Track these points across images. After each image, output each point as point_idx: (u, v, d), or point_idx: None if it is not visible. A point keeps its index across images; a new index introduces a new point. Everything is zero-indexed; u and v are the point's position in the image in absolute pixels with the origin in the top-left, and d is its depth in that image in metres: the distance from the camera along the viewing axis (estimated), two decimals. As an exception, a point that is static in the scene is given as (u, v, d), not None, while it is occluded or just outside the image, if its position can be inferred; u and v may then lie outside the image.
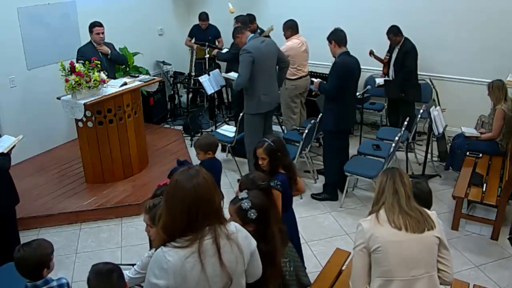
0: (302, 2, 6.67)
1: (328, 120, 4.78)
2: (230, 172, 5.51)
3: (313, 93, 5.81)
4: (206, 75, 6.11)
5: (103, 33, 5.30)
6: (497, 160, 4.93)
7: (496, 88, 4.88)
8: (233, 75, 5.37)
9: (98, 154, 4.99)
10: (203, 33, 6.90)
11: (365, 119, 6.28)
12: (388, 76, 6.05)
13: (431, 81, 6.03)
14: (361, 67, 4.77)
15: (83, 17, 5.90)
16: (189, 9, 7.84)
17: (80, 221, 4.61)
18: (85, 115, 4.74)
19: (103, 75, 4.84)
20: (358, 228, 2.32)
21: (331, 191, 4.95)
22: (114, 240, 4.36)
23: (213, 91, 6.21)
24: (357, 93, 5.17)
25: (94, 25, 5.26)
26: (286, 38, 5.78)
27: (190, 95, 7.26)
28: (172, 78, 7.31)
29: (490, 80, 4.99)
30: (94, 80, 4.69)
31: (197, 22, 7.00)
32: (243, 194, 2.30)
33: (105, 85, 4.93)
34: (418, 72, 5.83)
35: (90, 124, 4.85)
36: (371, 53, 6.11)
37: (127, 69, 6.36)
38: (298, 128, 5.62)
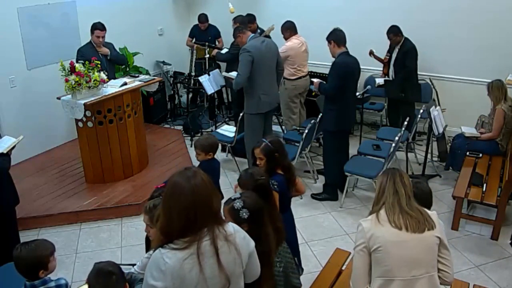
0: (302, 2, 6.68)
1: (328, 120, 4.78)
2: (230, 172, 5.51)
3: (313, 94, 5.81)
4: (206, 75, 6.12)
5: (103, 37, 5.30)
6: (497, 160, 4.93)
7: (496, 88, 4.88)
8: (233, 74, 5.38)
9: (98, 154, 4.98)
10: (203, 33, 6.90)
11: (365, 119, 6.28)
12: (388, 76, 6.06)
13: (431, 81, 6.03)
14: (361, 67, 4.77)
15: (83, 17, 5.91)
16: (189, 9, 7.84)
17: (80, 221, 4.61)
18: (85, 115, 4.74)
19: (103, 75, 4.84)
20: (358, 228, 2.33)
21: (331, 191, 4.95)
22: (114, 240, 4.36)
23: (213, 91, 6.21)
24: (357, 93, 5.16)
25: (96, 28, 5.24)
26: (286, 39, 5.79)
27: (190, 95, 7.25)
28: (172, 78, 7.31)
29: (490, 80, 4.99)
30: (94, 80, 4.69)
31: (197, 22, 7.00)
32: (236, 195, 2.31)
33: (105, 85, 4.93)
34: (418, 72, 5.83)
35: (90, 124, 4.85)
36: (371, 53, 6.11)
37: (127, 69, 6.36)
38: (298, 128, 5.62)
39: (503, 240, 4.20)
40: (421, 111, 5.47)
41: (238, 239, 1.91)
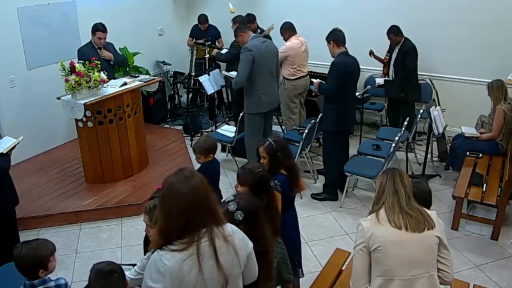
0: (302, 2, 6.68)
1: (328, 120, 4.78)
2: (230, 172, 5.50)
3: (313, 94, 5.81)
4: (206, 75, 6.12)
5: (104, 38, 5.30)
6: (497, 160, 4.93)
7: (496, 88, 4.88)
8: (233, 73, 5.38)
9: (98, 154, 4.99)
10: (203, 33, 6.90)
11: (365, 119, 6.28)
12: (388, 76, 6.06)
13: (431, 81, 6.03)
14: (361, 67, 4.77)
15: (83, 17, 5.91)
16: (189, 9, 7.84)
17: (80, 221, 4.61)
18: (85, 115, 4.74)
19: (103, 75, 4.84)
20: (358, 227, 2.33)
21: (331, 191, 4.95)
22: (114, 240, 4.36)
23: (213, 91, 6.21)
24: (357, 93, 5.17)
25: (97, 29, 5.24)
26: (285, 40, 5.78)
27: (190, 95, 7.26)
28: (172, 78, 7.31)
29: (490, 80, 4.99)
30: (94, 80, 4.70)
31: (197, 22, 7.00)
32: (230, 197, 2.31)
33: (105, 85, 4.94)
34: (418, 72, 5.83)
35: (90, 124, 4.85)
36: (371, 53, 6.11)
37: (127, 69, 6.36)
38: (298, 128, 5.62)
39: (503, 240, 4.20)
40: (421, 111, 5.47)
41: (237, 239, 1.90)
